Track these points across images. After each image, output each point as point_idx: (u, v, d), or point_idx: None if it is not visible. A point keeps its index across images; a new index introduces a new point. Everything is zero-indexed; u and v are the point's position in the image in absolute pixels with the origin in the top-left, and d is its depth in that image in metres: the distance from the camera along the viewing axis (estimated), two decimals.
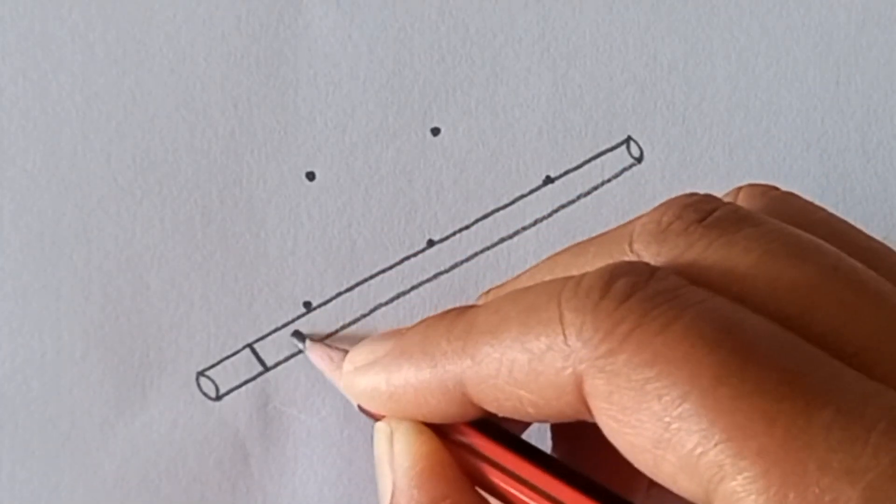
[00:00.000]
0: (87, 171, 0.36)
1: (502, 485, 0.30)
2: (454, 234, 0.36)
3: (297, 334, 0.36)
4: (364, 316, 0.36)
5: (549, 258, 0.32)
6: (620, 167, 0.37)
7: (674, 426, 0.25)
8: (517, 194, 0.37)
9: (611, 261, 0.28)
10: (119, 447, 0.36)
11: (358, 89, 0.36)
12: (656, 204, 0.36)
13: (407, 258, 0.36)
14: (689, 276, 0.27)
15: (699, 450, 0.24)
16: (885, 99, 0.37)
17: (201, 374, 0.36)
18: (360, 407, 0.32)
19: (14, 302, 0.35)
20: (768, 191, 0.30)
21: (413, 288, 0.36)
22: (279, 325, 0.36)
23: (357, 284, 0.36)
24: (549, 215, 0.37)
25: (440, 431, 0.30)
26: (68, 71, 0.36)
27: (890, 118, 0.37)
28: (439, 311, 0.36)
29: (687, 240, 0.28)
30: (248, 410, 0.36)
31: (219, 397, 0.36)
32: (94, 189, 0.36)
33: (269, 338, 0.36)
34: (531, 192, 0.37)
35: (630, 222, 0.30)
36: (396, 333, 0.31)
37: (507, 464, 0.30)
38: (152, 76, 0.36)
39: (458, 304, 0.36)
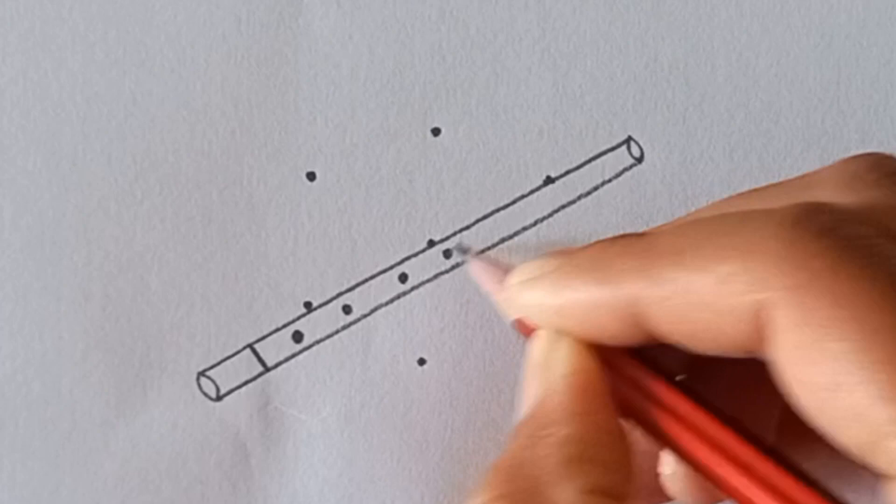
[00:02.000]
0: (87, 171, 0.36)
1: (651, 416, 0.30)
2: (454, 234, 0.36)
3: (459, 248, 0.36)
4: (364, 316, 0.36)
5: (723, 200, 0.32)
6: (621, 167, 0.37)
7: (853, 371, 0.25)
8: (517, 194, 0.37)
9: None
10: (119, 447, 0.36)
11: (358, 89, 0.36)
12: (657, 204, 0.37)
13: (407, 258, 0.36)
14: (879, 228, 0.27)
15: (873, 400, 0.24)
16: (886, 99, 0.37)
17: (202, 374, 0.36)
18: (515, 323, 0.32)
19: (14, 302, 0.35)
20: None
21: (413, 288, 0.36)
22: (279, 325, 0.36)
23: (357, 284, 0.36)
24: (550, 215, 0.37)
25: (598, 355, 0.30)
26: (68, 71, 0.36)
27: (890, 118, 0.37)
28: (440, 312, 0.36)
29: (879, 191, 0.28)
30: (249, 411, 0.36)
31: (219, 397, 0.36)
32: (94, 189, 0.36)
33: (270, 338, 0.36)
34: (531, 192, 0.37)
35: (812, 172, 0.30)
36: (566, 252, 0.31)
37: (662, 397, 0.30)
38: (152, 76, 0.36)
39: (458, 306, 0.36)
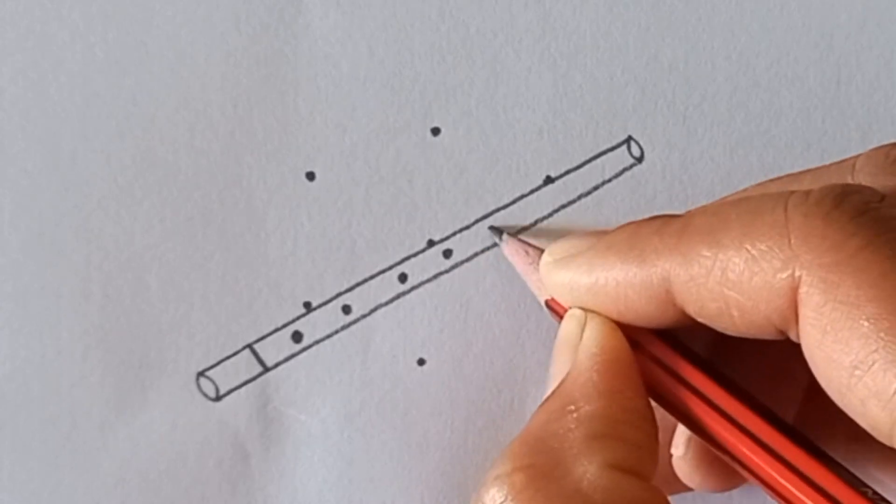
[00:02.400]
0: (86, 171, 0.36)
1: (677, 396, 0.30)
2: (454, 234, 0.36)
3: (494, 228, 0.36)
4: (364, 316, 0.36)
5: (758, 184, 0.32)
6: (621, 167, 0.37)
7: (881, 352, 0.25)
8: (517, 194, 0.37)
9: None
10: (119, 448, 0.36)
11: (358, 89, 0.36)
12: (657, 204, 0.37)
13: (407, 258, 0.36)
14: None
15: None
16: (886, 99, 0.37)
17: (201, 374, 0.36)
18: (547, 304, 0.32)
19: (14, 302, 0.35)
20: None
21: (413, 288, 0.36)
22: (279, 325, 0.36)
23: (357, 284, 0.36)
24: (550, 215, 0.37)
25: (627, 337, 0.31)
26: (68, 71, 0.36)
27: (891, 118, 0.37)
28: (440, 312, 0.36)
29: None
30: (248, 411, 0.36)
31: (219, 398, 0.36)
32: (93, 189, 0.36)
33: (270, 338, 0.36)
34: (531, 192, 0.37)
35: (848, 158, 0.30)
36: (600, 232, 0.31)
37: (688, 377, 0.30)
38: (152, 76, 0.36)
39: (458, 306, 0.36)
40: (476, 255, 0.36)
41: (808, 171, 0.31)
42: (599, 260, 0.30)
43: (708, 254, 0.28)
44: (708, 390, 0.30)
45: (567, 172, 0.37)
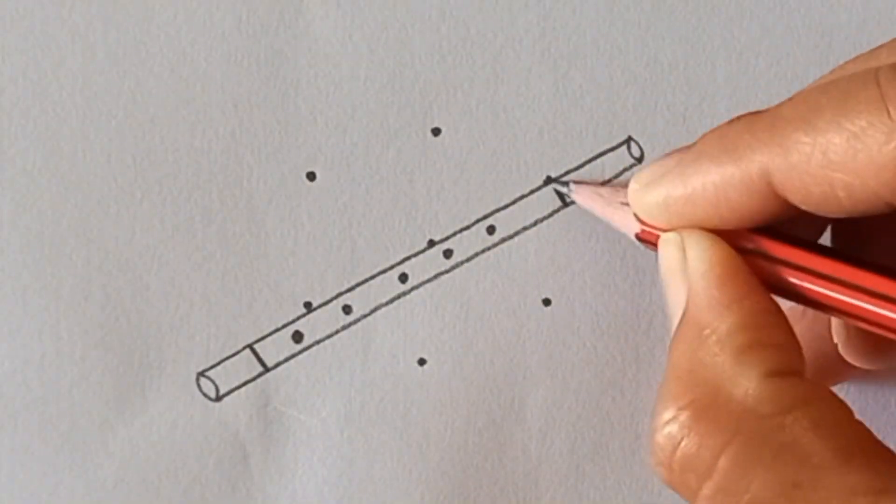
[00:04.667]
0: (87, 171, 0.36)
1: (801, 283, 0.30)
2: (454, 234, 0.36)
3: (561, 182, 0.35)
4: (364, 316, 0.36)
5: (831, 71, 0.32)
6: (621, 167, 0.37)
7: None
8: (517, 194, 0.37)
9: None
10: (119, 448, 0.36)
11: (358, 89, 0.36)
12: None
13: (407, 258, 0.36)
14: None
15: None
16: None
17: (201, 374, 0.36)
18: (638, 237, 0.32)
19: (14, 302, 0.35)
20: None
21: (413, 288, 0.36)
22: (279, 325, 0.36)
23: (357, 284, 0.36)
24: (550, 215, 0.37)
25: (728, 241, 0.30)
26: (68, 71, 0.36)
27: None
28: (440, 312, 0.36)
29: None
30: (249, 411, 0.36)
31: (219, 398, 0.36)
32: (94, 189, 0.36)
33: (270, 338, 0.36)
34: (531, 192, 0.37)
35: None
36: (682, 148, 0.31)
37: (804, 262, 0.30)
38: (152, 76, 0.36)
39: (458, 306, 0.36)
40: (476, 255, 0.36)
41: (882, 45, 0.31)
42: (692, 169, 0.30)
43: (806, 139, 0.28)
44: (824, 268, 0.29)
45: (567, 172, 0.37)
